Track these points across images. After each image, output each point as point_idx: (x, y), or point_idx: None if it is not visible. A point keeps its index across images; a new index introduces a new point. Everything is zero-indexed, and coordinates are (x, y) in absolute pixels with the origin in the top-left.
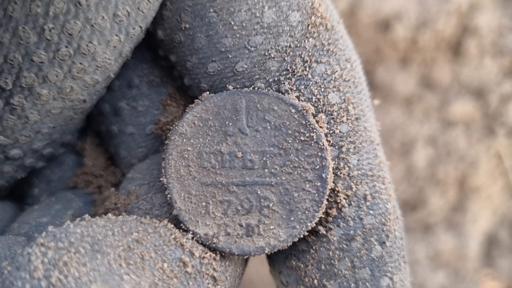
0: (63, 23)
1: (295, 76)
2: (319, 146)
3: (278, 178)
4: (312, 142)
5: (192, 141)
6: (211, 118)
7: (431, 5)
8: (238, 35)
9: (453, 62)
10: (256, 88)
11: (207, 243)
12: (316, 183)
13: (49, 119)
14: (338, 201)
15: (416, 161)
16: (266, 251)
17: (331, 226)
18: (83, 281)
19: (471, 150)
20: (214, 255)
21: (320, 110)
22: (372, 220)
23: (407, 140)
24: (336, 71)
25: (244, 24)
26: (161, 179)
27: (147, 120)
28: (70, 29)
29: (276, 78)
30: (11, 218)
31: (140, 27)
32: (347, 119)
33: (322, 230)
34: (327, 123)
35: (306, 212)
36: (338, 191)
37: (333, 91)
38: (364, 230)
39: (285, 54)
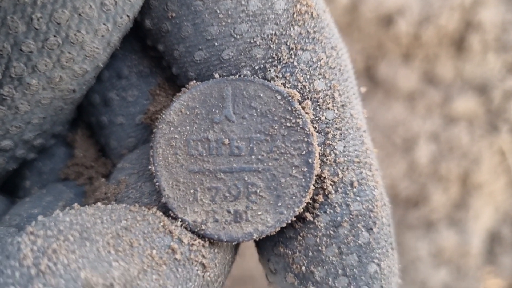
0: (51, 12)
1: (281, 63)
2: (305, 131)
3: (265, 164)
4: (298, 128)
5: (179, 129)
6: (197, 106)
7: (434, 0)
8: (224, 23)
9: (456, 57)
10: (242, 76)
11: (196, 230)
12: (302, 169)
13: (39, 110)
14: (325, 187)
15: (419, 158)
16: (254, 237)
17: (318, 213)
18: (72, 268)
19: (474, 146)
20: (203, 242)
21: (306, 97)
22: (359, 207)
23: (410, 136)
24: (322, 58)
25: (229, 12)
26: (149, 167)
27: (137, 110)
28: (58, 18)
29: (262, 66)
30: (2, 211)
31: (128, 16)
32: (333, 106)
33: (309, 216)
34: (313, 110)
35: (293, 197)
36: (325, 178)
37: (319, 78)
38: (351, 216)
39: (270, 41)
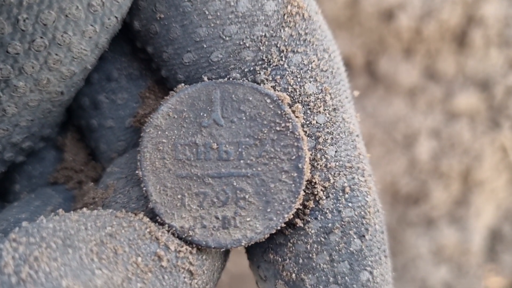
0: (37, 13)
1: (271, 66)
2: (295, 136)
3: (254, 169)
4: (288, 132)
5: (167, 133)
6: (185, 109)
7: None
8: (212, 25)
9: (458, 53)
10: (231, 79)
11: (183, 236)
12: (292, 174)
13: (27, 112)
14: (316, 193)
15: (419, 154)
16: (242, 244)
17: (309, 219)
18: (54, 276)
19: (475, 143)
20: (190, 248)
21: (297, 100)
22: (351, 213)
23: (410, 133)
24: (313, 61)
25: (218, 14)
26: (137, 172)
27: (126, 113)
28: (44, 19)
29: (251, 68)
30: None
31: (116, 17)
32: (324, 110)
33: (299, 222)
34: (303, 114)
35: (283, 203)
36: (316, 183)
37: (310, 81)
38: (342, 223)
39: (260, 43)
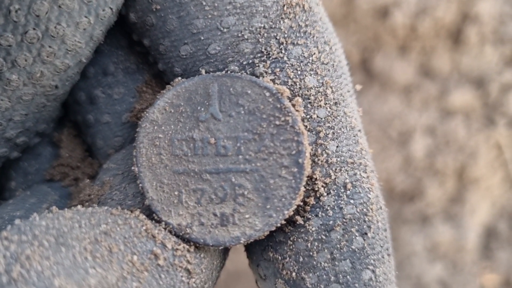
0: (29, 3)
1: (270, 58)
2: (295, 130)
3: (253, 165)
4: (288, 126)
5: (163, 128)
6: (182, 103)
7: None
8: (210, 16)
9: (453, 50)
10: (229, 72)
11: (181, 234)
12: (292, 169)
13: (21, 106)
14: (316, 189)
15: (415, 151)
16: (241, 241)
17: (309, 216)
18: (46, 275)
19: (470, 140)
20: (187, 246)
21: (297, 93)
22: (352, 210)
23: (406, 130)
24: (314, 53)
25: (216, 5)
26: (133, 168)
27: (123, 108)
28: (37, 10)
29: (250, 61)
30: None
31: (111, 8)
32: (325, 104)
33: (299, 220)
34: (304, 108)
35: (283, 199)
36: (316, 179)
37: (310, 74)
38: (344, 220)
39: (259, 35)
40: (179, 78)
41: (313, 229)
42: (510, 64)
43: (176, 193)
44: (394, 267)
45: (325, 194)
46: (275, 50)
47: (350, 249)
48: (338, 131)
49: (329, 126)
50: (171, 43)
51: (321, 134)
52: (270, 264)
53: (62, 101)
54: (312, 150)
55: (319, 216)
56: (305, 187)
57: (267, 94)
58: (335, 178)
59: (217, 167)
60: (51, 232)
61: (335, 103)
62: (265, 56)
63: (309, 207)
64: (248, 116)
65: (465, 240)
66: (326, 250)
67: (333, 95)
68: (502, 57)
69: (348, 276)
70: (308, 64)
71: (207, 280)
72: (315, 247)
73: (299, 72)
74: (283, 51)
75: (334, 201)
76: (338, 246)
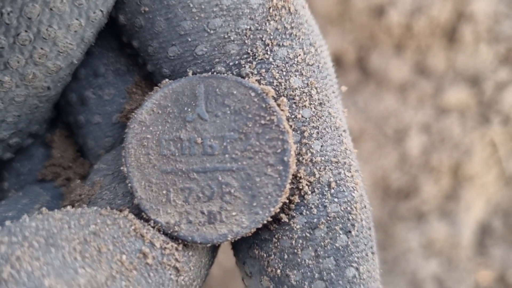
0: (21, 6)
1: (256, 59)
2: (280, 129)
3: (239, 163)
4: (273, 125)
5: (151, 128)
6: (169, 104)
7: None
8: (197, 18)
9: (448, 48)
10: (215, 73)
11: (169, 232)
12: (278, 167)
13: (14, 107)
14: (301, 187)
15: (410, 149)
16: (229, 238)
17: (294, 214)
18: (36, 276)
19: (465, 138)
20: (176, 245)
21: (282, 94)
22: (336, 208)
23: (401, 127)
24: (299, 54)
25: (203, 7)
26: (122, 168)
27: (113, 109)
28: (28, 13)
29: (236, 62)
30: None
31: (101, 11)
32: (310, 104)
33: (284, 218)
34: (289, 108)
35: (269, 197)
36: (301, 177)
37: (296, 75)
38: (328, 218)
39: (245, 37)
40: (167, 79)
41: (298, 226)
42: (505, 62)
43: (164, 192)
44: (378, 265)
45: (309, 192)
46: (260, 52)
47: (334, 246)
48: (323, 131)
49: (313, 126)
50: (159, 44)
51: (306, 134)
52: (255, 261)
53: (54, 102)
54: (296, 149)
55: (304, 214)
56: (290, 185)
57: (253, 94)
58: (319, 177)
59: (204, 166)
60: (41, 233)
61: (320, 104)
62: (251, 57)
63: (293, 205)
64: (234, 116)
65: (460, 237)
66: (310, 248)
67: (318, 96)
68: (497, 55)
69: (332, 274)
70: (293, 65)
71: (196, 278)
72: (299, 245)
73: (284, 73)
74: (268, 53)
75: (318, 200)
76: (322, 243)
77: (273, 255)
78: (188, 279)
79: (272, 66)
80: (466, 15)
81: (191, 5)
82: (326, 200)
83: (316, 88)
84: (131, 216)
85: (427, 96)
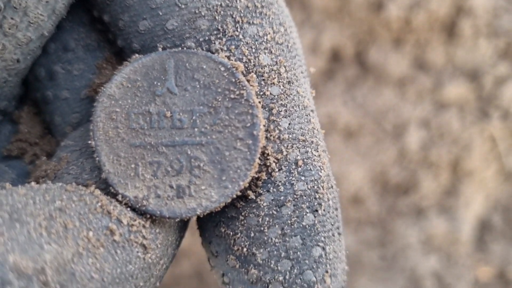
0: None
1: (226, 36)
2: (250, 103)
3: (208, 137)
4: (243, 100)
5: (120, 102)
6: (139, 78)
7: None
8: None
9: (447, 43)
10: (185, 48)
11: (137, 206)
12: (247, 141)
13: None
14: (268, 164)
15: (409, 144)
16: (197, 213)
17: (261, 191)
18: (0, 251)
19: (464, 133)
20: (143, 222)
21: (251, 71)
22: (303, 187)
23: (400, 123)
24: (269, 33)
25: None
26: (89, 141)
27: (82, 84)
28: None
29: (206, 38)
30: None
31: None
32: (279, 82)
33: (251, 195)
34: (257, 84)
35: (238, 171)
36: (268, 154)
37: (265, 53)
38: (295, 196)
39: (215, 13)
40: (136, 55)
41: (265, 204)
42: (504, 57)
43: (132, 166)
44: (344, 247)
45: (276, 169)
46: (231, 28)
47: (301, 225)
48: (291, 109)
49: (281, 103)
50: (130, 18)
51: (274, 111)
52: (221, 240)
53: (23, 76)
54: (264, 126)
55: (271, 191)
56: (258, 161)
57: (222, 69)
58: (286, 155)
59: (173, 139)
60: (5, 209)
61: (288, 82)
62: (221, 33)
63: (260, 182)
64: (203, 90)
65: (459, 233)
66: (277, 226)
67: (287, 74)
68: (496, 50)
69: (298, 252)
70: (263, 43)
71: (163, 256)
72: (266, 223)
73: (253, 50)
74: (238, 30)
75: (285, 177)
76: (289, 222)
77: (239, 233)
78: (155, 257)
79: (242, 43)
80: (465, 10)
81: None
82: (293, 178)
83: (285, 67)
84: (97, 192)
85: (426, 91)
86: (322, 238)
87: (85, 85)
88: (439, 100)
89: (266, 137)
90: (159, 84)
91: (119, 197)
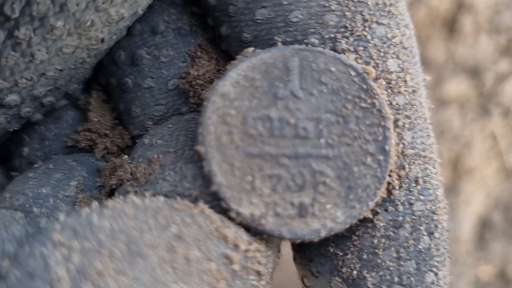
0: None
1: (354, 35)
2: (382, 114)
3: (335, 150)
4: (374, 109)
5: (235, 103)
6: (258, 77)
7: None
8: None
9: (448, 39)
10: (308, 45)
11: (253, 225)
12: (378, 157)
13: (58, 60)
14: (390, 181)
15: None
16: (322, 235)
17: (379, 210)
18: None
19: (465, 130)
20: (258, 246)
21: (378, 77)
22: (422, 207)
23: None
24: (396, 36)
25: None
26: (197, 147)
27: (170, 73)
28: None
29: (332, 35)
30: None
31: None
32: (405, 90)
33: (369, 213)
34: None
35: (367, 189)
36: (391, 170)
37: (392, 58)
38: (413, 217)
39: (346, 8)
40: (251, 48)
41: (382, 224)
42: (505, 53)
43: (249, 178)
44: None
45: (397, 187)
46: (359, 27)
47: (417, 248)
48: (414, 121)
49: (406, 114)
50: (246, 4)
51: (399, 123)
52: (327, 260)
53: (101, 58)
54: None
55: (389, 210)
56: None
57: (353, 73)
58: (408, 171)
59: (296, 150)
60: (119, 237)
61: (413, 91)
62: (348, 32)
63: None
64: (331, 95)
65: (459, 231)
66: (392, 248)
67: (412, 83)
68: (497, 46)
69: (412, 278)
70: (391, 46)
71: (270, 280)
72: (381, 244)
73: (381, 54)
74: (367, 29)
75: (405, 196)
76: (405, 244)
77: (350, 254)
78: (265, 283)
79: (370, 44)
80: (466, 6)
81: None
82: (412, 197)
83: (410, 74)
84: (208, 210)
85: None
86: (436, 263)
87: (173, 74)
88: (439, 96)
89: None
90: (281, 85)
91: (232, 214)
